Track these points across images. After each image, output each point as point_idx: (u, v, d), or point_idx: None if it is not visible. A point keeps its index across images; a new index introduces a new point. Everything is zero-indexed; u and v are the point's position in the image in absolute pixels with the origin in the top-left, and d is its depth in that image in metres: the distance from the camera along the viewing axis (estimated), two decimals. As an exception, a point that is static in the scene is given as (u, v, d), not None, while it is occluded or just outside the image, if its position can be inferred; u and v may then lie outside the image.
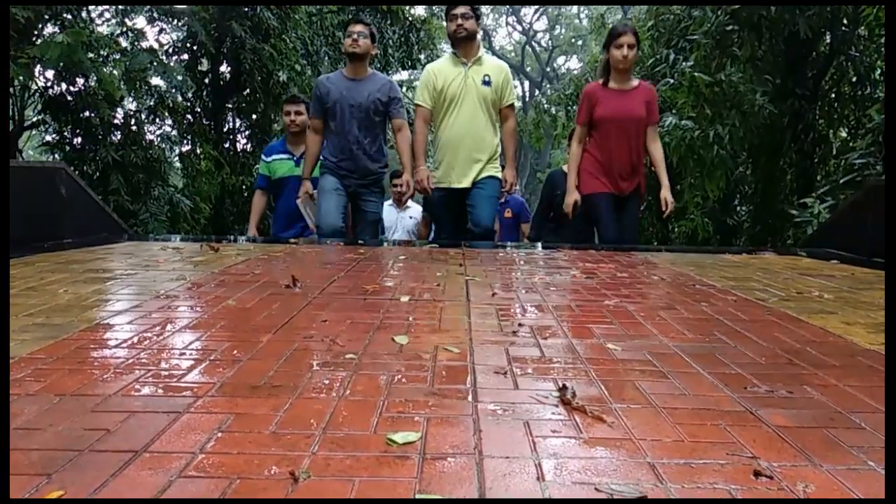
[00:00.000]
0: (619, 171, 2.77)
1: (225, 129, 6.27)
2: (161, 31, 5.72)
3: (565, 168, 3.39)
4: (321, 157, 2.84)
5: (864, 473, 0.60)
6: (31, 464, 0.58)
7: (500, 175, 2.81)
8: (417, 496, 0.53)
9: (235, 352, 0.94)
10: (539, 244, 3.56)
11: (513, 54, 18.65)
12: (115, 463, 0.58)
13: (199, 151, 5.85)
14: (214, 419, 0.69)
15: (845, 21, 4.76)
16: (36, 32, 4.72)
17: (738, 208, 5.84)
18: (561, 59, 19.07)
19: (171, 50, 5.68)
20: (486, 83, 2.74)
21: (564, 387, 0.79)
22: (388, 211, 3.80)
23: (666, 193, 2.77)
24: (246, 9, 5.59)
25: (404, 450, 0.62)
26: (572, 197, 2.82)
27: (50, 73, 4.69)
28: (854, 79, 5.05)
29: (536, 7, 17.79)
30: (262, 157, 3.27)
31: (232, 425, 0.67)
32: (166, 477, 0.56)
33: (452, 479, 0.57)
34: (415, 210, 4.09)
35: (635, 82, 2.84)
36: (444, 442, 0.64)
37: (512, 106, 2.86)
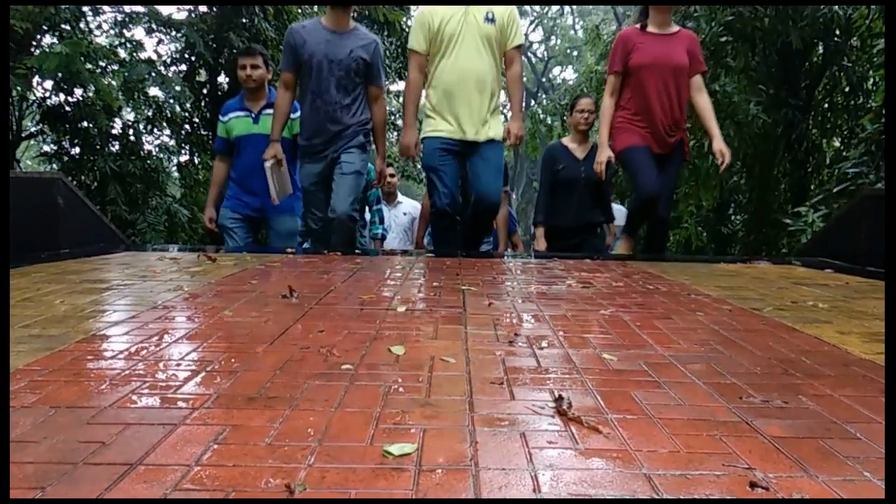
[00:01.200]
0: (661, 126, 2.46)
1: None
2: (159, 42, 5.75)
3: (564, 141, 3.14)
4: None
5: (859, 484, 0.61)
6: (24, 477, 0.58)
7: (501, 136, 2.44)
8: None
9: (232, 363, 0.94)
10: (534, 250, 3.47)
11: (509, 64, 18.75)
12: (109, 476, 0.58)
13: (196, 161, 5.86)
14: (210, 431, 0.69)
15: (838, 31, 4.83)
16: (34, 43, 4.74)
17: (733, 217, 5.87)
18: (556, 70, 19.24)
19: (169, 61, 5.70)
20: (490, 20, 2.39)
21: (560, 397, 0.79)
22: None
23: (720, 145, 2.51)
24: (244, 20, 5.63)
25: (400, 461, 0.62)
26: (605, 153, 2.50)
27: (48, 84, 4.71)
28: (847, 89, 5.12)
29: (532, 19, 17.97)
30: (220, 117, 2.98)
31: (228, 437, 0.67)
32: (161, 490, 0.56)
33: (448, 492, 0.57)
34: (407, 205, 3.87)
35: (675, 28, 2.56)
36: (441, 453, 0.64)
37: (519, 48, 2.50)
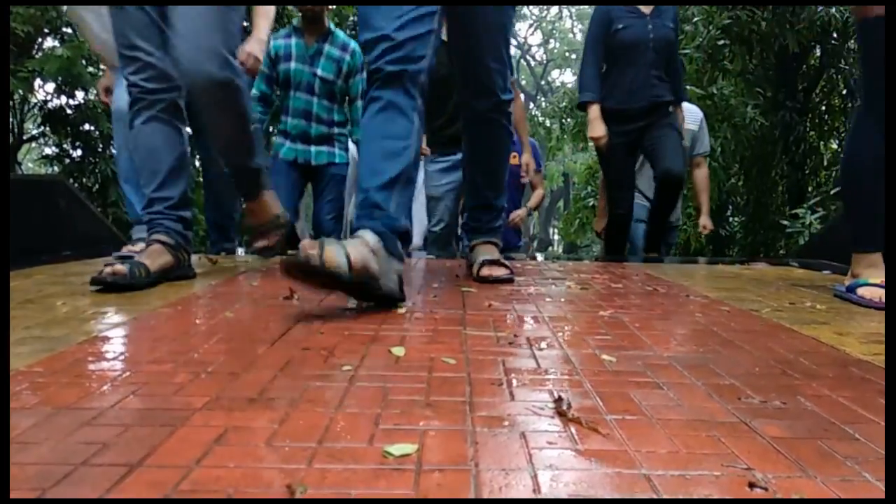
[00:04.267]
0: None
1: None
2: (160, 45, 5.75)
3: None
4: None
5: (858, 484, 0.61)
6: (26, 479, 0.58)
7: None
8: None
9: (232, 364, 0.94)
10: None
11: (508, 67, 18.82)
12: (111, 477, 0.58)
13: (197, 163, 5.86)
14: (211, 432, 0.69)
15: (835, 34, 4.86)
16: (36, 46, 4.76)
17: (731, 219, 5.90)
18: (555, 73, 19.31)
19: (169, 64, 5.72)
20: None
21: (560, 398, 0.80)
22: None
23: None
24: (246, 24, 5.64)
25: (401, 462, 0.62)
26: None
27: (50, 87, 4.76)
28: (844, 91, 5.15)
29: (531, 22, 18.04)
30: None
31: (229, 438, 0.67)
32: (162, 491, 0.56)
33: (449, 492, 0.57)
34: None
35: None
36: (441, 454, 0.64)
37: None
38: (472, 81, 1.52)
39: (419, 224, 3.21)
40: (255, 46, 2.06)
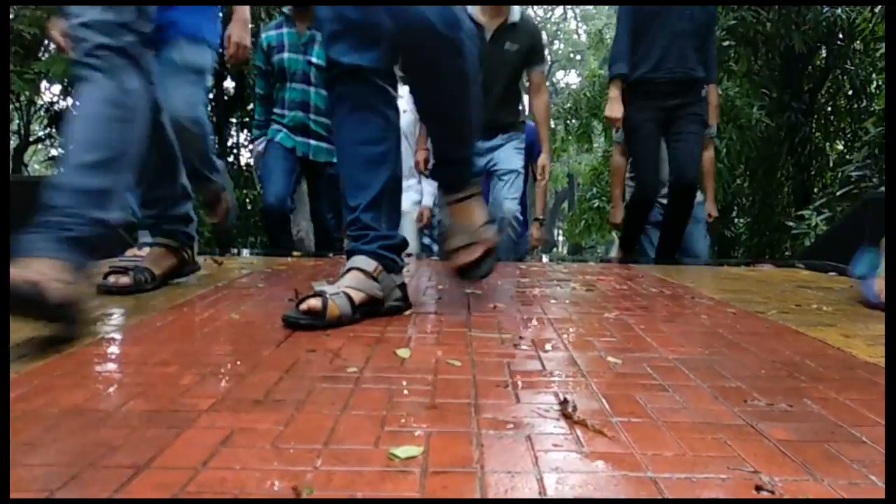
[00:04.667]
0: None
1: (229, 144, 6.33)
2: (165, 47, 5.78)
3: None
4: None
5: (865, 488, 0.61)
6: (33, 480, 0.59)
7: None
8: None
9: (238, 365, 0.95)
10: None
11: (512, 68, 18.82)
12: (118, 479, 0.59)
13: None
14: (217, 434, 0.69)
15: (841, 35, 4.84)
16: (42, 48, 4.80)
17: (736, 220, 5.87)
18: (560, 74, 19.31)
19: (175, 66, 5.74)
20: None
21: (565, 400, 0.80)
22: None
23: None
24: (251, 25, 5.66)
25: (406, 464, 0.62)
26: None
27: (56, 88, 4.79)
28: (850, 92, 5.13)
29: (536, 23, 18.02)
30: None
31: (234, 440, 0.68)
32: (169, 492, 0.56)
33: (454, 494, 0.57)
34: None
35: None
36: (446, 456, 0.64)
37: None
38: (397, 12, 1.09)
39: (429, 184, 3.01)
40: (240, 30, 1.93)
